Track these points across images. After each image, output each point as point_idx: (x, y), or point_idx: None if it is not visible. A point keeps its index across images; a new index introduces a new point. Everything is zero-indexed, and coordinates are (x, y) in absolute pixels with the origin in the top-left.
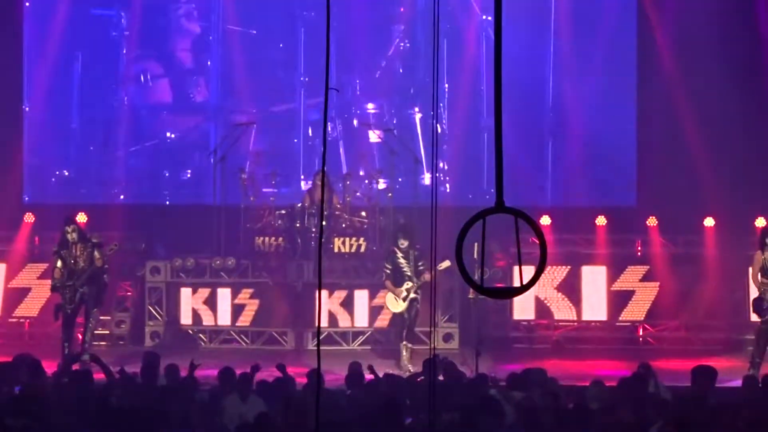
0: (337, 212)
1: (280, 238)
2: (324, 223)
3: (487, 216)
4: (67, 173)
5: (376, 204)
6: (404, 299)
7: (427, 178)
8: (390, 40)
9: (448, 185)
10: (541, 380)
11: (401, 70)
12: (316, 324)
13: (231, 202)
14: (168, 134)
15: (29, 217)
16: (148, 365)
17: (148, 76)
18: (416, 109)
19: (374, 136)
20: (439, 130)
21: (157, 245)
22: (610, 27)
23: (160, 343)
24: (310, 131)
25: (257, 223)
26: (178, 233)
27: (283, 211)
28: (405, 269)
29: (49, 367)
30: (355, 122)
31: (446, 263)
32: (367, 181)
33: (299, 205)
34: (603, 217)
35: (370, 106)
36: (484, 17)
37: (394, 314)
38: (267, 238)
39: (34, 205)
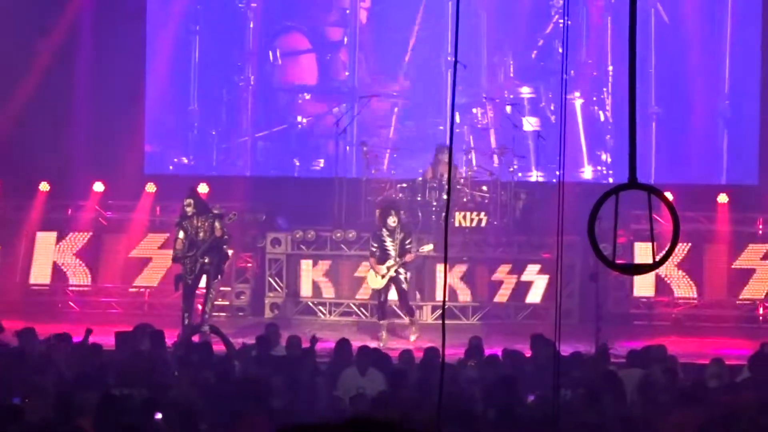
0: (458, 186)
1: (401, 212)
2: (445, 196)
3: (620, 192)
4: (186, 161)
5: (497, 179)
6: (383, 276)
7: (587, 172)
8: (548, 17)
9: (611, 179)
10: (660, 357)
11: (560, 50)
12: (437, 297)
13: (353, 175)
14: (299, 118)
15: (150, 188)
16: (268, 336)
17: (278, 53)
18: (576, 94)
19: (528, 125)
20: (602, 117)
21: (278, 217)
22: (735, 3)
23: (279, 315)
24: (457, 117)
25: (378, 196)
26: (300, 205)
27: (404, 185)
28: (389, 249)
29: (169, 337)
30: (508, 109)
31: (429, 246)
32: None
33: (420, 178)
34: (725, 194)
35: (525, 90)
36: None
37: (373, 290)
38: None
39: (155, 176)
